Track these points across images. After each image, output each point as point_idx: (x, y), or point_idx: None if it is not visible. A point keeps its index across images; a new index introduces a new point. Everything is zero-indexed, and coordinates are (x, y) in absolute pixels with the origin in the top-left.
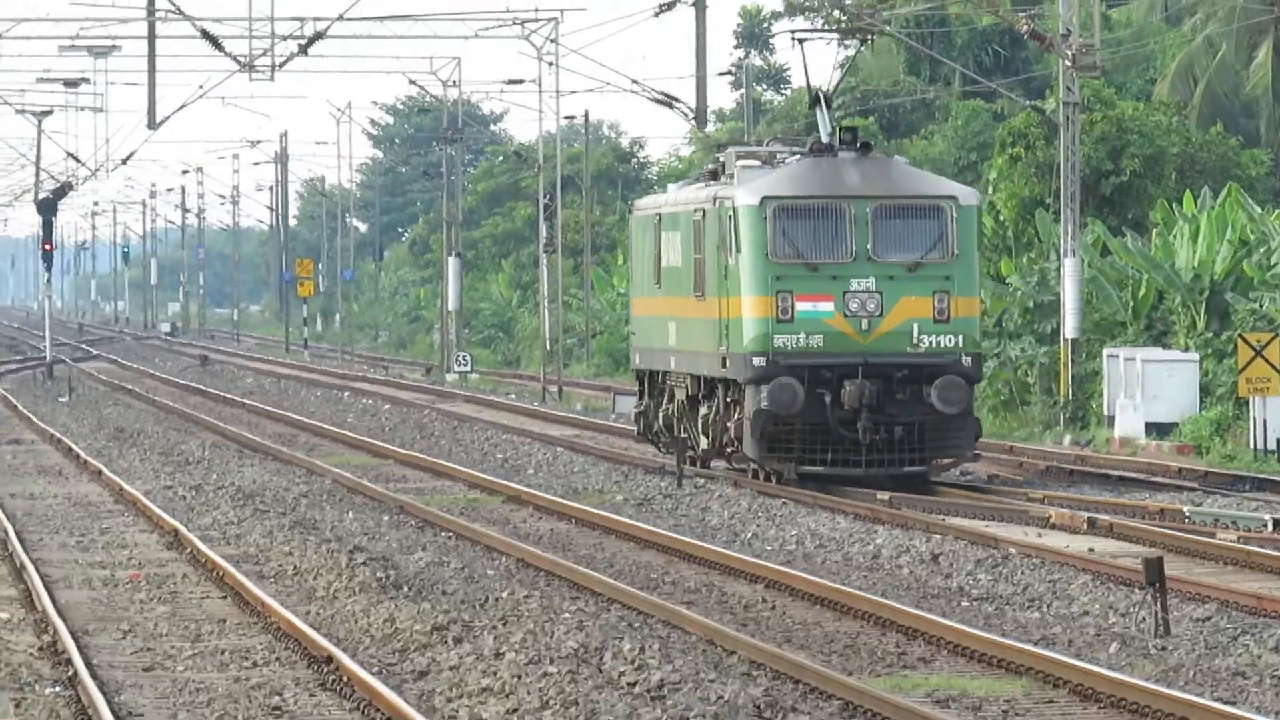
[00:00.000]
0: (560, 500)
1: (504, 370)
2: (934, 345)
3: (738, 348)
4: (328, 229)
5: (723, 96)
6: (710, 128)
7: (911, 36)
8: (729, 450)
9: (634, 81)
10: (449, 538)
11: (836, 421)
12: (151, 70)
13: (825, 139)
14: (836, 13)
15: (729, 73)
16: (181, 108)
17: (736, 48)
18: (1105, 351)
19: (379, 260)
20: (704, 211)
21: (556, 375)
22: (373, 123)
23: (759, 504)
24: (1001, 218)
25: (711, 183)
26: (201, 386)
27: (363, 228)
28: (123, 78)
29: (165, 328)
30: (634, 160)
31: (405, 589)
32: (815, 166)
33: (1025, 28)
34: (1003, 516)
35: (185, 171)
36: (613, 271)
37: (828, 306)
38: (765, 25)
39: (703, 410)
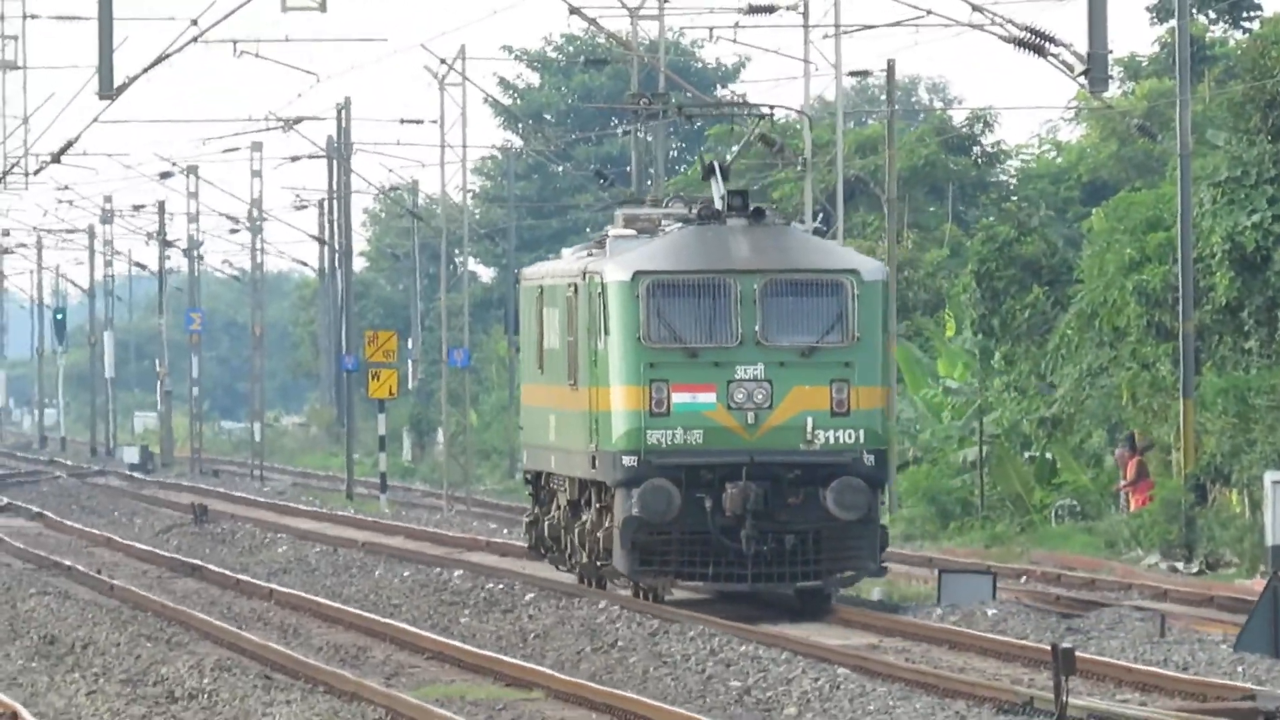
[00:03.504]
0: None
1: None
2: (831, 442)
3: (606, 445)
4: (423, 278)
5: (1136, 34)
6: (1114, 90)
7: None
8: (600, 564)
9: (974, 9)
10: None
11: (718, 530)
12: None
13: (718, 203)
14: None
15: None
16: (159, 61)
17: None
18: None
19: (514, 333)
20: (575, 287)
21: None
22: (503, 85)
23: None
24: None
25: (592, 251)
26: (197, 562)
27: (486, 274)
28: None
29: (131, 456)
30: (977, 150)
31: None
32: (699, 236)
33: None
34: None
35: (166, 175)
36: (937, 348)
37: (709, 397)
38: None
39: (582, 517)
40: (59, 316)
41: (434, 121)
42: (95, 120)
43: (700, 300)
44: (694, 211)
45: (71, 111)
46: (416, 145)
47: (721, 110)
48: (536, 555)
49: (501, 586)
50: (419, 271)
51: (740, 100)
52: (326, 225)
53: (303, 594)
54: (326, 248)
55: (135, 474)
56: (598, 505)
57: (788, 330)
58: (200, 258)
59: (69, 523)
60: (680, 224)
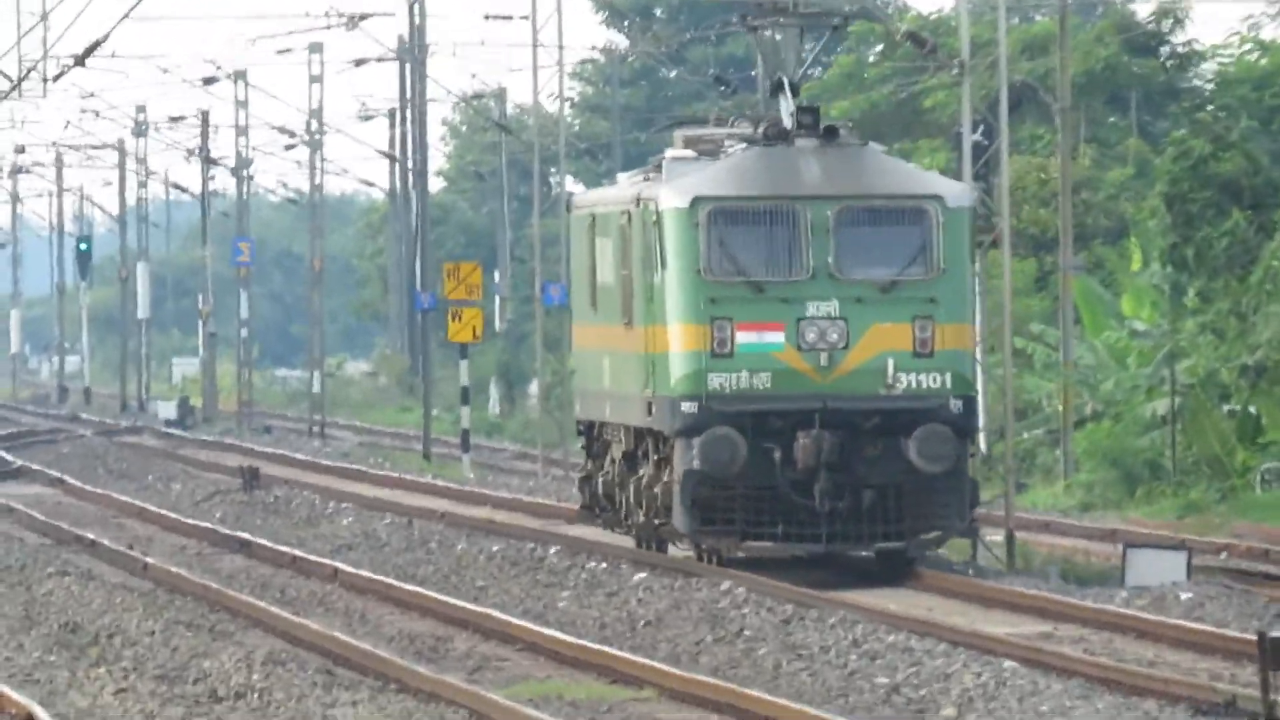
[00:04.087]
0: None
1: None
2: (914, 386)
3: (664, 390)
4: (512, 200)
5: None
6: None
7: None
8: (658, 524)
9: None
10: None
11: (788, 485)
12: None
13: (787, 122)
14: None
15: None
16: None
17: None
18: None
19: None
20: (629, 215)
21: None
22: None
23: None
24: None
25: (649, 176)
26: (246, 536)
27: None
28: None
29: (168, 410)
30: (1165, 51)
31: None
32: (764, 158)
33: None
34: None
35: (210, 81)
36: (1121, 283)
37: (777, 337)
38: None
39: (639, 471)
40: (83, 247)
41: (525, 18)
42: (126, 16)
43: (767, 229)
44: (759, 131)
45: (99, 6)
46: (504, 46)
47: (862, 4)
48: (590, 516)
49: (606, 565)
50: (507, 193)
51: None
52: (398, 139)
53: (371, 574)
54: (398, 166)
55: (173, 431)
56: (655, 458)
57: (864, 262)
58: (250, 178)
59: (94, 489)
60: (745, 145)
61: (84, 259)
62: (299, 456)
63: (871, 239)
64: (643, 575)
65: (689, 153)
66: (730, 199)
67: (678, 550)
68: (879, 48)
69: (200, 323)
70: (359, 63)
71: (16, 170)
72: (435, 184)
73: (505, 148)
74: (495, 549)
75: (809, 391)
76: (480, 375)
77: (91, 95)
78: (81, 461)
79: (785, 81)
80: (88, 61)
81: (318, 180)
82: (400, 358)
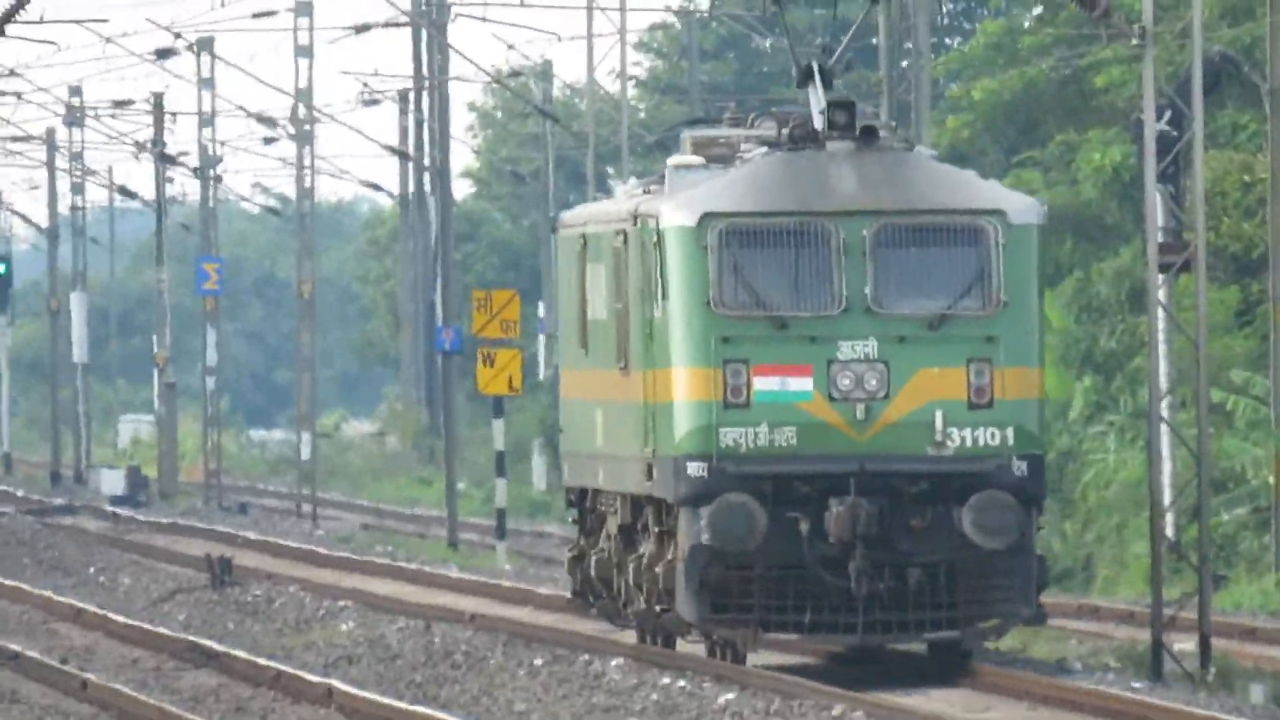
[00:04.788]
0: None
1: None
2: (968, 443)
3: (666, 448)
4: (560, 208)
5: None
6: None
7: None
8: (660, 611)
9: None
10: None
11: (818, 562)
12: None
13: (817, 121)
14: None
15: None
16: None
17: None
18: None
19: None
20: (625, 236)
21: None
22: None
23: None
24: None
25: (649, 188)
26: (216, 645)
27: None
28: None
29: (114, 483)
30: None
31: None
32: (788, 166)
33: None
34: None
35: (166, 54)
36: None
37: (804, 384)
38: None
39: (638, 548)
40: (1, 269)
41: None
42: None
43: (791, 252)
44: (784, 132)
45: None
46: (550, 8)
47: None
48: (583, 605)
49: (684, 684)
50: (553, 199)
51: None
52: (411, 130)
53: (378, 697)
54: (411, 164)
55: (120, 510)
56: (657, 531)
57: (909, 293)
58: (218, 180)
59: (17, 585)
60: (765, 149)
61: (3, 285)
62: (284, 543)
63: (918, 264)
64: (730, 697)
65: (698, 159)
66: (746, 215)
67: (687, 644)
68: (1037, 10)
69: (155, 369)
70: (361, 29)
71: None
72: (460, 188)
73: (551, 140)
74: (539, 662)
75: (842, 450)
76: (520, 438)
77: (11, 73)
78: (1, 549)
79: (815, 69)
80: (7, 27)
81: (307, 183)
82: (415, 414)
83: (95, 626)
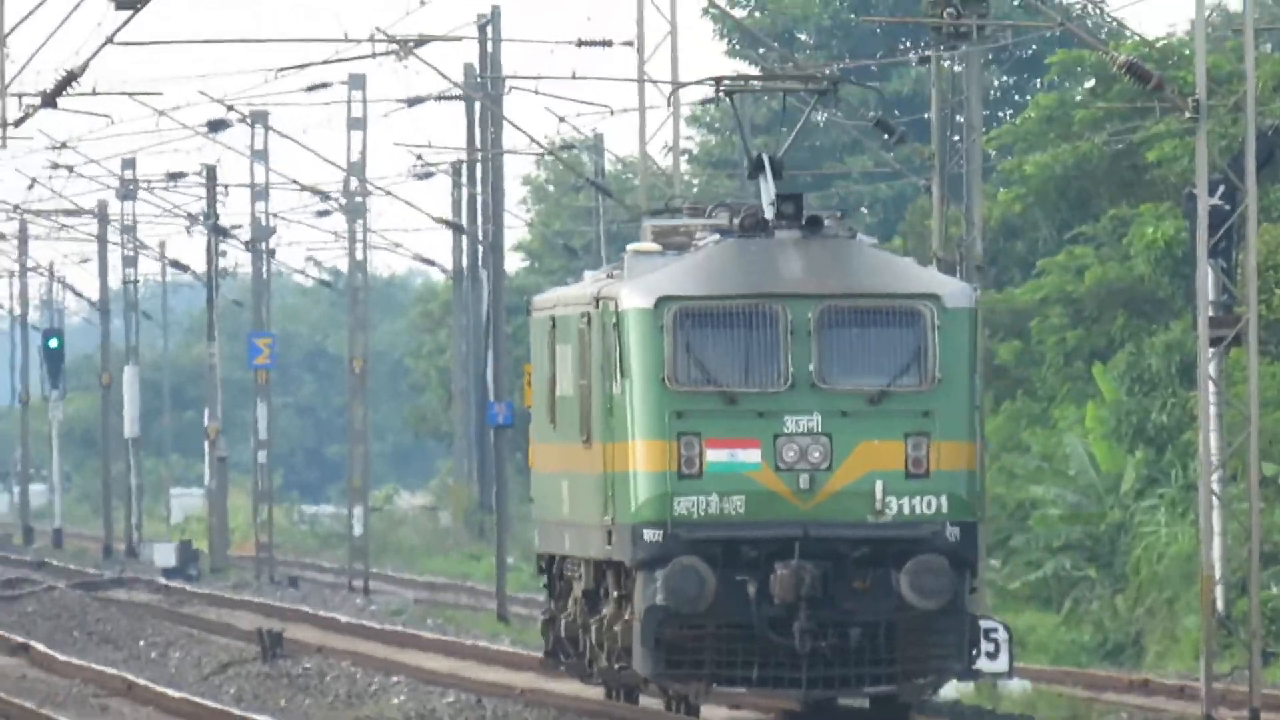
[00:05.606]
0: None
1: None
2: (906, 511)
3: (625, 516)
4: None
5: None
6: None
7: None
8: (619, 668)
9: None
10: None
11: (764, 622)
12: None
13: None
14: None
15: None
16: None
17: None
18: None
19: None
20: (588, 317)
21: None
22: None
23: None
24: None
25: (613, 273)
26: (263, 717)
27: None
28: None
29: (165, 556)
30: None
31: None
32: (740, 252)
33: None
34: None
35: (219, 126)
36: None
37: (752, 455)
38: None
39: (601, 610)
40: (52, 344)
41: (628, 43)
42: (109, 41)
43: (741, 332)
44: (736, 221)
45: (74, 27)
46: (602, 80)
47: (1066, 26)
48: (553, 665)
49: None
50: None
51: (1097, 7)
52: (464, 203)
53: None
54: (464, 238)
55: (172, 584)
56: (616, 593)
57: (851, 371)
58: (271, 253)
59: (69, 659)
60: (718, 237)
61: (54, 359)
62: (336, 617)
63: (859, 344)
64: None
65: (655, 247)
66: (699, 298)
67: (649, 698)
68: (1089, 83)
69: (206, 443)
70: (414, 102)
71: None
72: (513, 261)
73: (603, 213)
74: None
75: (788, 518)
76: None
77: (64, 145)
78: (52, 623)
79: (766, 161)
80: (60, 100)
81: (360, 256)
82: (467, 488)
83: (147, 700)
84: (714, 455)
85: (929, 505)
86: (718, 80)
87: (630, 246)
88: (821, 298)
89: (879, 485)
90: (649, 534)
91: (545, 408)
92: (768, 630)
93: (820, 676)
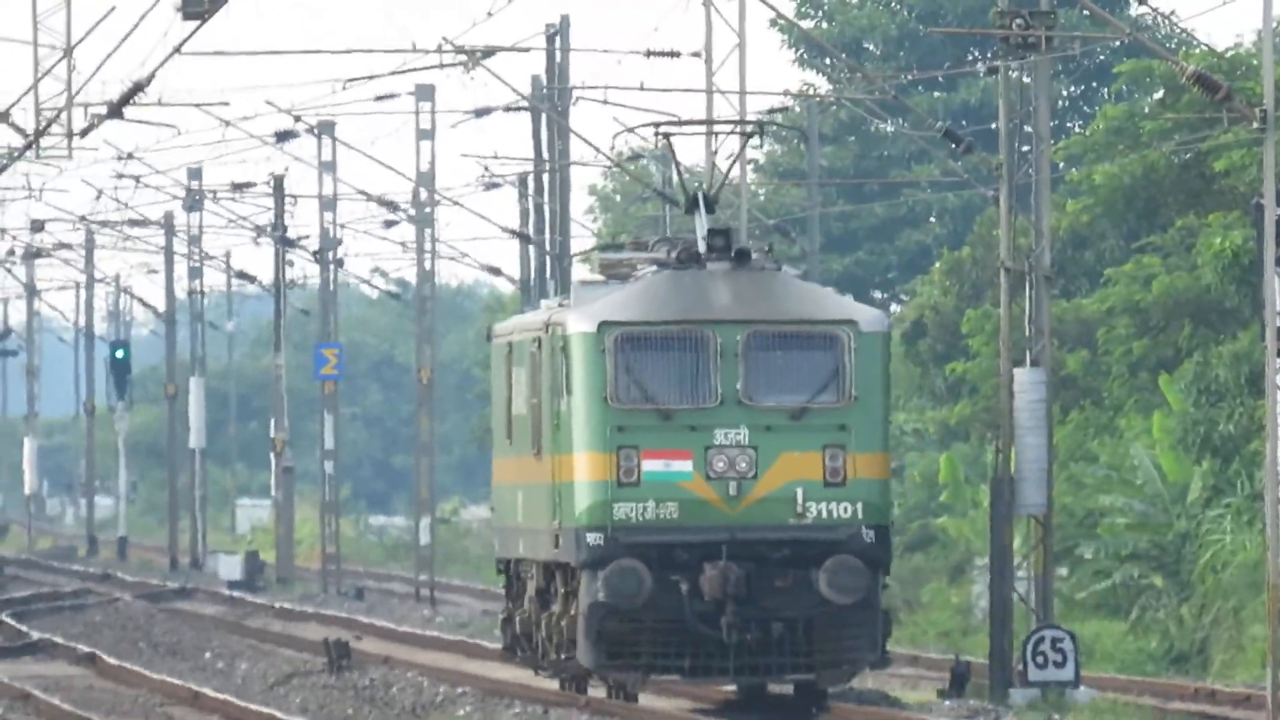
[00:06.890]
0: None
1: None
2: (824, 515)
3: (570, 521)
4: None
5: None
6: None
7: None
8: (564, 659)
9: None
10: None
11: (695, 616)
12: None
13: (700, 244)
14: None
15: None
16: None
17: None
18: None
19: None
20: (539, 342)
21: None
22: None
23: None
24: None
25: (563, 302)
26: None
27: None
28: None
29: (231, 568)
30: None
31: None
32: (675, 282)
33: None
34: None
35: (286, 137)
36: None
37: (684, 465)
38: None
39: (550, 607)
40: (119, 355)
41: (696, 54)
42: (176, 52)
43: (675, 355)
44: (672, 255)
45: (140, 39)
46: (669, 91)
47: (1135, 36)
48: (511, 657)
49: None
50: None
51: (1166, 18)
52: (530, 214)
53: None
54: (531, 248)
55: (238, 595)
56: (563, 592)
57: (775, 389)
58: (338, 264)
59: (135, 669)
60: (655, 268)
61: (120, 370)
62: (402, 628)
63: (782, 365)
64: None
65: (599, 277)
66: (638, 324)
67: (598, 690)
68: (1158, 94)
69: (273, 455)
70: (481, 113)
71: (33, 254)
72: (581, 271)
73: (670, 224)
74: None
75: (717, 522)
76: None
77: (130, 156)
78: (118, 633)
79: (700, 198)
80: (125, 111)
81: (427, 267)
82: None
83: (212, 710)
84: (650, 465)
85: (845, 510)
86: (656, 125)
87: (577, 277)
88: (748, 323)
89: (800, 492)
90: (591, 537)
91: (504, 425)
92: (698, 624)
93: (746, 665)
